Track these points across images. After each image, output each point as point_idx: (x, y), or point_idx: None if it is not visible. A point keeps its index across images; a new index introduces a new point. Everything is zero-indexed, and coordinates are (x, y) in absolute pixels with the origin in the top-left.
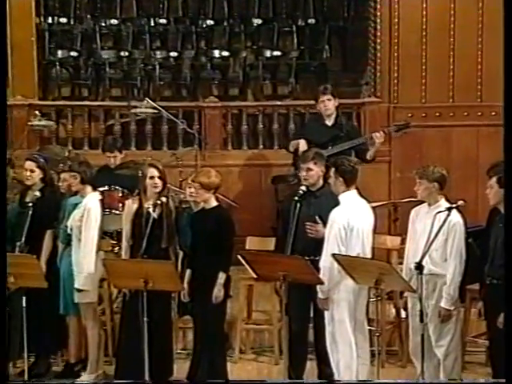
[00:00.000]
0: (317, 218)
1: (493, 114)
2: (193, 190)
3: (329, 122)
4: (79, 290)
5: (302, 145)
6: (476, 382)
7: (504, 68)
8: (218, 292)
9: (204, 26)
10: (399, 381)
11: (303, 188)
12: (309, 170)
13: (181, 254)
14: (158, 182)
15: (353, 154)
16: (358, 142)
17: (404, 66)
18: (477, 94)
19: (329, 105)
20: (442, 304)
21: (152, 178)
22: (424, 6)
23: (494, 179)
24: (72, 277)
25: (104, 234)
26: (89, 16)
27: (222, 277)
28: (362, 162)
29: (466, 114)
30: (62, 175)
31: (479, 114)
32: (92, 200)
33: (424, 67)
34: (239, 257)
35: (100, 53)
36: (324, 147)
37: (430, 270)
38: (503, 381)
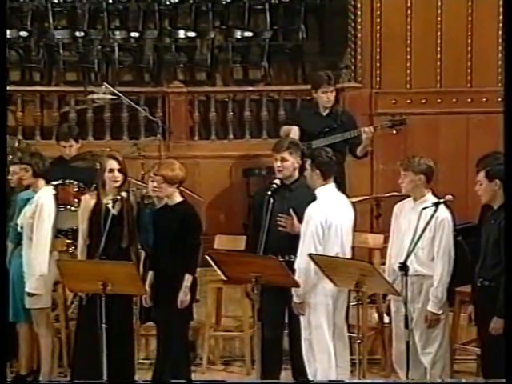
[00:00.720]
0: (291, 210)
1: (484, 100)
2: (155, 183)
3: (323, 112)
4: (31, 295)
5: (294, 132)
6: (475, 381)
7: (505, 55)
8: (183, 296)
9: (168, 3)
10: (380, 381)
11: (277, 182)
12: (283, 160)
13: (143, 254)
14: (118, 175)
15: (347, 147)
16: (349, 136)
17: (387, 48)
18: (466, 78)
19: (331, 97)
20: (429, 308)
21: (111, 170)
22: None
23: (483, 173)
24: (23, 280)
25: (58, 232)
26: None
27: (187, 279)
28: (354, 157)
29: (454, 100)
30: (12, 168)
31: (469, 100)
32: (45, 195)
33: (409, 49)
34: (207, 257)
35: (53, 33)
36: (317, 137)
37: (416, 270)
38: (503, 381)
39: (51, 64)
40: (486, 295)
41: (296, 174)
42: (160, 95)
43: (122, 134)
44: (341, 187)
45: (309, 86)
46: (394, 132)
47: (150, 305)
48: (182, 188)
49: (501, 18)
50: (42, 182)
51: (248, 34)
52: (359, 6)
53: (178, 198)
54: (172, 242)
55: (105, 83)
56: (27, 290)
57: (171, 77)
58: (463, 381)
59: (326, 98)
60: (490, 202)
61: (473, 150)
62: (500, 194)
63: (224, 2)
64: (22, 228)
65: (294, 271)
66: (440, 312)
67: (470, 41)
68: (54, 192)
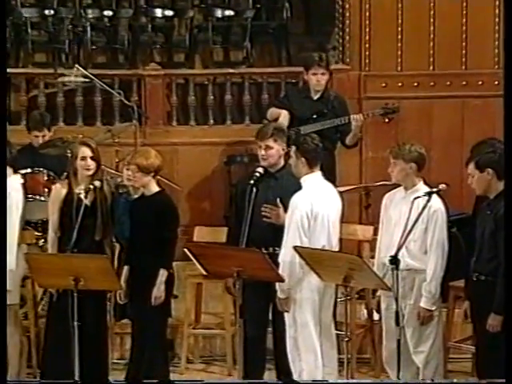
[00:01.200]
0: (278, 200)
1: (479, 83)
2: (130, 172)
3: (314, 95)
4: None
5: (284, 116)
6: (474, 382)
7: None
8: (157, 292)
9: None
10: (369, 381)
11: (260, 170)
12: (268, 148)
13: (117, 247)
14: (91, 163)
15: (338, 134)
16: (339, 122)
17: (377, 28)
18: (461, 60)
19: (322, 80)
20: (422, 304)
21: (83, 158)
22: None
23: (472, 165)
24: None
25: (27, 223)
26: None
27: (162, 274)
28: (343, 146)
29: (448, 83)
30: None
31: (464, 83)
32: (12, 184)
33: (400, 29)
34: (186, 250)
35: (20, 11)
36: (306, 123)
37: (408, 264)
38: (503, 381)
39: (19, 44)
40: (483, 290)
41: (281, 161)
42: (135, 78)
43: (95, 119)
44: (331, 176)
45: (294, 69)
46: (387, 120)
47: (125, 301)
48: (158, 177)
49: None
50: (9, 170)
51: (229, 12)
52: None
53: (154, 188)
54: (148, 234)
55: (76, 65)
56: None
57: (147, 58)
58: (455, 381)
59: (315, 80)
60: (485, 193)
61: (468, 136)
62: (494, 182)
63: None
64: None
65: (278, 265)
66: (433, 308)
67: (464, 20)
68: (21, 181)
